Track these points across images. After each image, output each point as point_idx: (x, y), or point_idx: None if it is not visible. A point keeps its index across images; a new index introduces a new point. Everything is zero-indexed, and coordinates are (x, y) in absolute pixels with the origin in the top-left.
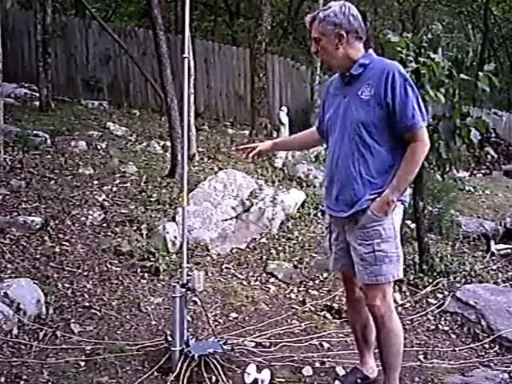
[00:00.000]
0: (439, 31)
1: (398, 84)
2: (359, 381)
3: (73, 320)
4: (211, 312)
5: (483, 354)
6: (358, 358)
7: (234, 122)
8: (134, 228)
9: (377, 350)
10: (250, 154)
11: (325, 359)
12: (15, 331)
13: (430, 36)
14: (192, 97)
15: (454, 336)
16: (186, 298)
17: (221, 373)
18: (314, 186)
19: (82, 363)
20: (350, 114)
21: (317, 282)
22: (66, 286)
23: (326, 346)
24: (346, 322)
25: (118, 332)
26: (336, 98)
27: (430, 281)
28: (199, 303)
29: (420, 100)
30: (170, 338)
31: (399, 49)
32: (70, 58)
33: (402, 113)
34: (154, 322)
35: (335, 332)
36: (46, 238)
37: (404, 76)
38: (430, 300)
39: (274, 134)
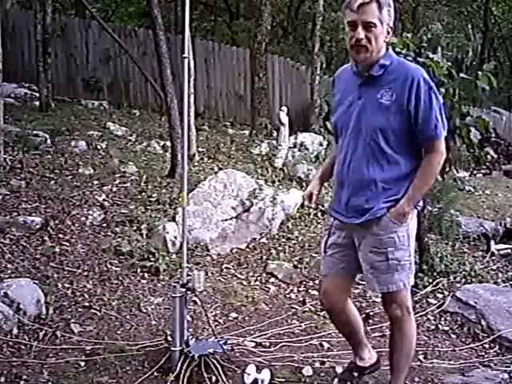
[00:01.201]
0: (439, 31)
1: (423, 92)
2: (356, 374)
3: (73, 320)
4: (211, 312)
5: (483, 354)
6: None
7: (233, 122)
8: (134, 228)
9: (384, 350)
10: (313, 202)
11: (325, 359)
12: (15, 331)
13: (429, 36)
14: (192, 97)
15: (454, 336)
16: (186, 298)
17: (221, 373)
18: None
19: (82, 363)
20: (366, 118)
21: (317, 281)
22: (66, 286)
23: (326, 346)
24: None
25: (118, 332)
26: (347, 96)
27: (430, 281)
28: (199, 303)
29: (442, 109)
30: (169, 338)
31: (398, 50)
32: (70, 58)
33: (425, 123)
34: (154, 322)
35: (335, 332)
36: (46, 238)
37: (429, 83)
38: (430, 300)
39: (274, 134)
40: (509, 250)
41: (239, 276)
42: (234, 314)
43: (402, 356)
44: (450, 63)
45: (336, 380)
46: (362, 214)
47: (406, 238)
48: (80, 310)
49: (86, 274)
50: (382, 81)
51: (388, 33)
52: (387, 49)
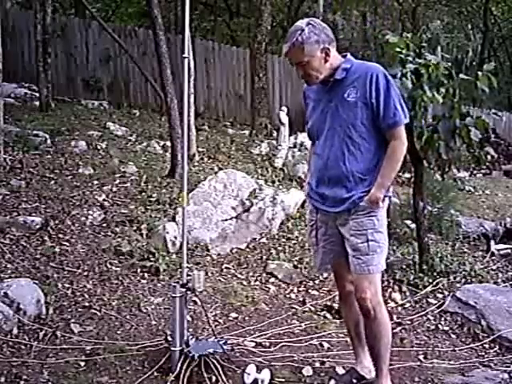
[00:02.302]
0: (438, 30)
1: (382, 85)
2: (355, 381)
3: (73, 320)
4: (211, 312)
5: (483, 354)
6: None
7: (233, 122)
8: (134, 228)
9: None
10: None
11: (325, 359)
12: (15, 331)
13: (429, 35)
14: (192, 97)
15: (454, 336)
16: (186, 297)
17: (221, 373)
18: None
19: (82, 363)
20: (339, 117)
21: (317, 282)
22: (66, 286)
23: (326, 346)
24: None
25: (118, 332)
26: (319, 102)
27: (430, 281)
28: (199, 303)
29: (401, 99)
30: (169, 338)
31: (398, 49)
32: (70, 58)
33: (385, 111)
34: (154, 322)
35: (335, 332)
36: (46, 238)
37: (386, 77)
38: (430, 300)
39: (274, 134)
40: (509, 250)
41: (239, 276)
42: (234, 314)
43: (382, 345)
44: (449, 63)
45: (333, 381)
46: (342, 204)
47: (382, 221)
48: (80, 309)
49: (86, 274)
50: (347, 82)
51: (327, 54)
52: (345, 55)
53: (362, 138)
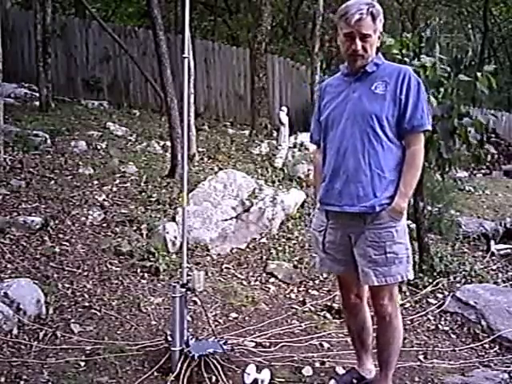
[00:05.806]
0: (436, 28)
1: (413, 85)
2: (355, 381)
3: (73, 320)
4: (211, 312)
5: (483, 354)
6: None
7: (233, 122)
8: (134, 228)
9: (375, 350)
10: None
11: (325, 359)
12: (15, 331)
13: (428, 34)
14: (192, 97)
15: (454, 336)
16: (186, 298)
17: (221, 373)
18: (314, 186)
19: (82, 363)
20: (362, 108)
21: (317, 282)
22: (66, 286)
23: (326, 346)
24: None
25: (118, 332)
26: (338, 94)
27: (430, 281)
28: (199, 303)
29: (427, 106)
30: (170, 338)
31: (395, 51)
32: (70, 58)
33: (412, 112)
34: (154, 322)
35: (335, 332)
36: (46, 238)
37: (417, 79)
38: (430, 300)
39: (274, 134)
40: (509, 250)
41: (239, 276)
42: (234, 314)
43: (394, 350)
44: (448, 64)
45: (333, 381)
46: (356, 203)
47: (402, 231)
48: (80, 310)
49: (86, 273)
50: (375, 76)
51: (379, 38)
52: (377, 52)
53: (385, 134)
